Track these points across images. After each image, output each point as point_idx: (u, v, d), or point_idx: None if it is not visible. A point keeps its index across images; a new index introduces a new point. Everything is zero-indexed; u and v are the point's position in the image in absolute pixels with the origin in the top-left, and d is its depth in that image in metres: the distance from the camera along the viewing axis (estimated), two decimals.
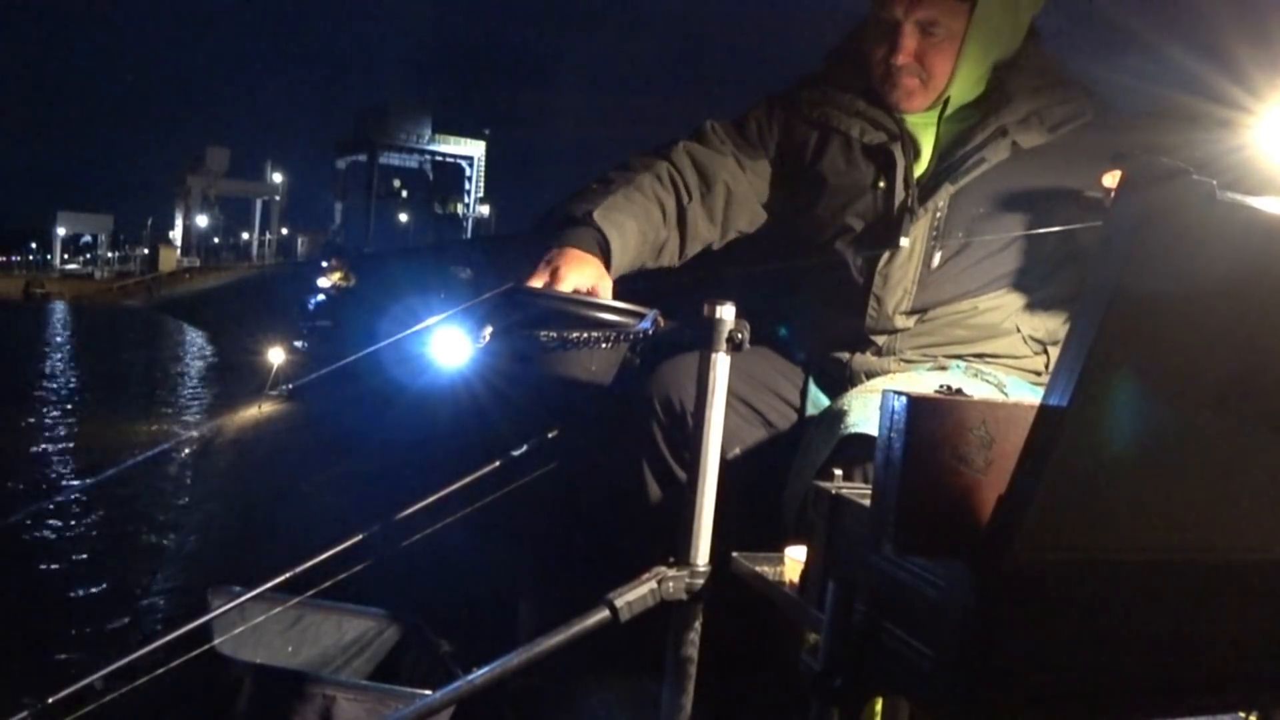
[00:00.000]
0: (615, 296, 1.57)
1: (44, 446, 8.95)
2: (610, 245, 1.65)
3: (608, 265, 1.64)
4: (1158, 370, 0.73)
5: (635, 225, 1.70)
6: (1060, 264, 1.69)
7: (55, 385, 14.55)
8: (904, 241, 1.66)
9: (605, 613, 1.20)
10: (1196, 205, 0.69)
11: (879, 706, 1.19)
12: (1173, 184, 0.68)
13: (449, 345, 1.37)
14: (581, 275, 1.57)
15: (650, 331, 1.37)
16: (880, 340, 1.72)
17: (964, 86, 1.69)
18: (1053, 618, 0.78)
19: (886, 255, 1.68)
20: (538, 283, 1.55)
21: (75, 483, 7.32)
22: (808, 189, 1.80)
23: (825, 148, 1.78)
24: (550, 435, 1.61)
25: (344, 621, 2.10)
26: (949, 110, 1.71)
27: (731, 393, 1.32)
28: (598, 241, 1.65)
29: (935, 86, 1.67)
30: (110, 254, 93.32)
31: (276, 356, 9.61)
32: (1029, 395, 1.58)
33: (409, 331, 1.37)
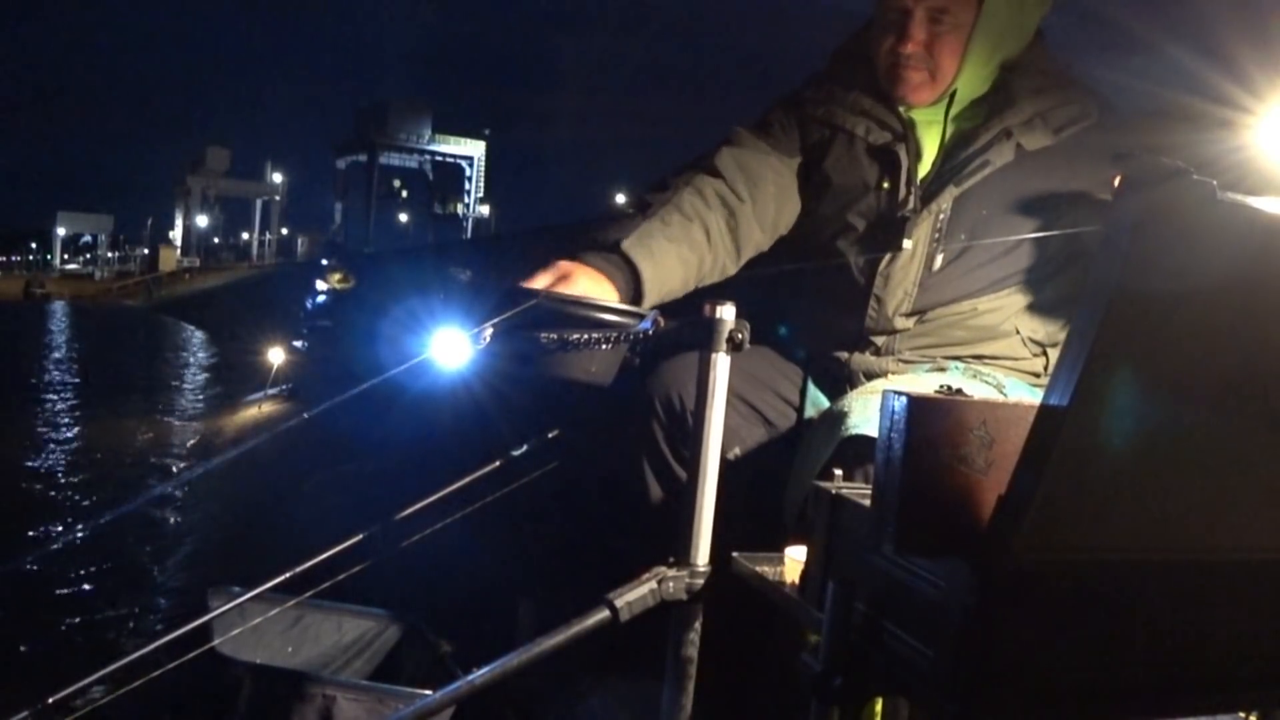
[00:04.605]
0: None
1: (43, 446, 8.94)
2: (642, 274, 1.58)
3: (638, 295, 1.58)
4: (1157, 370, 0.73)
5: (674, 250, 1.64)
6: (1062, 266, 1.69)
7: (55, 385, 14.54)
8: (906, 244, 1.66)
9: (605, 613, 1.20)
10: (1196, 205, 0.69)
11: (879, 706, 1.19)
12: (1173, 184, 0.68)
13: (449, 346, 1.37)
14: (586, 288, 1.53)
15: (650, 331, 1.36)
16: (879, 340, 1.71)
17: (970, 82, 1.68)
18: (1053, 618, 0.78)
19: (888, 257, 1.68)
20: (538, 284, 1.52)
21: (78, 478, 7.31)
22: (812, 187, 1.80)
23: (830, 146, 1.78)
24: (550, 435, 1.61)
25: (344, 621, 2.10)
26: (955, 107, 1.70)
27: (731, 392, 1.32)
28: (623, 272, 1.58)
29: (942, 79, 1.67)
30: (110, 254, 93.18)
31: (276, 356, 9.62)
32: (1028, 397, 1.58)
33: (416, 360, 1.36)
